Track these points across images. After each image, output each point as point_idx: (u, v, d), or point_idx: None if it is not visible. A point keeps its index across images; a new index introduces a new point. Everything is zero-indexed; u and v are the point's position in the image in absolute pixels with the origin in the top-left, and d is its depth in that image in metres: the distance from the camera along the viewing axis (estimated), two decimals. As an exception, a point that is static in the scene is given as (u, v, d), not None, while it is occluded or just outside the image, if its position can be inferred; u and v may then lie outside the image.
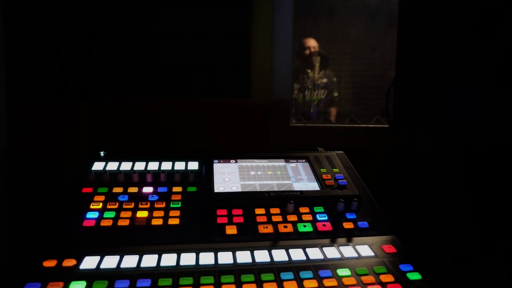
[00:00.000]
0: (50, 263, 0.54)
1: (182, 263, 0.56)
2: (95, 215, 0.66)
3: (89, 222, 0.64)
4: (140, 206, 0.68)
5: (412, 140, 0.93)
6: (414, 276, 0.55)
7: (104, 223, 0.64)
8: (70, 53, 1.08)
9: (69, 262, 0.54)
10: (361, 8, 1.70)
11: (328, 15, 1.80)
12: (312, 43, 2.14)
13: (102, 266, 0.54)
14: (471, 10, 0.65)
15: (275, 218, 0.68)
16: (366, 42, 1.73)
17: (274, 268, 0.56)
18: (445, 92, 0.72)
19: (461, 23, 0.68)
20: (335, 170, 0.82)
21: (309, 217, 0.69)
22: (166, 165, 0.80)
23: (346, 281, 0.53)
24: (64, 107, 1.09)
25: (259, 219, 0.67)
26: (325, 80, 2.09)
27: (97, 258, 0.56)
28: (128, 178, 0.76)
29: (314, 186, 0.77)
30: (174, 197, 0.72)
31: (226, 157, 0.83)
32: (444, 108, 0.72)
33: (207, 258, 0.57)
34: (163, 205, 0.69)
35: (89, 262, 0.55)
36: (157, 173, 0.77)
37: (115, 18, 1.09)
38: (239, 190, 0.74)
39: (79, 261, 0.55)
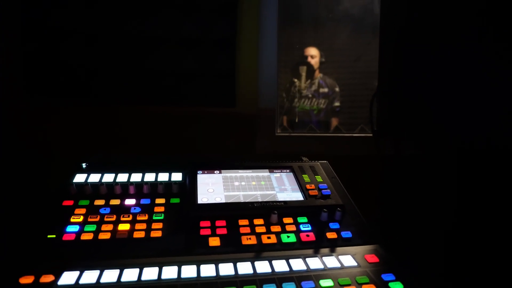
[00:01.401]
0: (27, 280, 0.52)
1: (163, 276, 0.55)
2: (75, 228, 0.64)
3: (69, 236, 0.63)
4: (122, 219, 0.68)
5: (397, 148, 0.94)
6: (396, 285, 0.55)
7: (84, 236, 0.63)
8: (54, 59, 1.07)
9: (47, 278, 0.53)
10: (345, 18, 1.73)
11: (313, 25, 1.82)
12: (311, 51, 2.15)
13: (82, 281, 0.53)
14: (455, 14, 0.66)
15: (259, 229, 0.67)
16: (350, 52, 1.75)
17: (257, 280, 0.55)
18: (435, 98, 0.72)
19: (449, 26, 0.69)
20: (319, 179, 0.82)
21: (292, 228, 0.68)
22: (149, 177, 0.80)
23: (328, 292, 0.53)
24: (48, 111, 1.08)
25: (242, 230, 0.67)
26: (326, 90, 2.10)
27: (77, 273, 0.55)
28: (110, 190, 0.75)
29: (298, 196, 0.77)
30: (157, 209, 0.71)
31: (210, 168, 0.83)
32: (433, 114, 0.73)
33: (189, 271, 0.56)
34: (146, 217, 0.69)
35: (68, 278, 0.54)
36: (140, 184, 0.76)
37: (103, 25, 1.08)
38: (223, 201, 0.74)
39: (58, 277, 0.54)
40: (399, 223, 0.93)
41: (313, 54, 2.13)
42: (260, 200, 0.74)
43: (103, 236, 0.63)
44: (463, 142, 0.68)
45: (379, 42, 0.92)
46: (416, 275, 0.58)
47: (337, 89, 2.09)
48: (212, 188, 0.77)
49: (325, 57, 2.05)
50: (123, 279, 0.54)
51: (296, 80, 2.22)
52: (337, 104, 2.07)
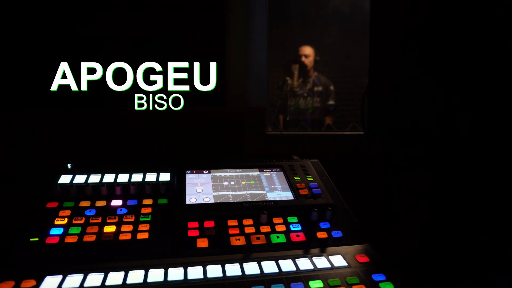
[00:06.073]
0: (6, 285, 0.51)
1: (150, 279, 0.54)
2: (59, 231, 0.63)
3: (52, 239, 0.61)
4: (108, 221, 0.66)
5: (387, 146, 0.93)
6: (387, 286, 0.55)
7: (68, 239, 0.61)
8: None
9: (28, 283, 0.51)
10: (335, 16, 1.72)
11: (302, 23, 1.81)
12: (306, 51, 2.14)
13: (64, 286, 0.52)
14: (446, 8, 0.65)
15: (248, 230, 0.66)
16: (340, 50, 1.75)
17: (246, 282, 0.54)
18: (425, 96, 0.72)
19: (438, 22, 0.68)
20: (310, 178, 0.81)
21: (282, 228, 0.67)
22: (137, 177, 0.78)
23: (318, 294, 0.53)
24: (33, 114, 1.06)
25: (231, 231, 0.66)
26: (320, 88, 2.09)
27: (59, 277, 0.53)
28: (96, 191, 0.73)
29: (288, 195, 0.76)
30: (144, 210, 0.70)
31: (198, 168, 0.82)
32: (423, 113, 0.72)
33: (176, 274, 0.55)
34: (132, 218, 0.67)
35: (50, 283, 0.52)
36: (126, 185, 0.75)
37: (88, 26, 1.06)
38: (212, 201, 0.72)
39: (39, 282, 0.52)
40: (391, 223, 0.92)
41: (307, 53, 2.12)
42: (249, 200, 0.73)
43: (88, 238, 0.62)
44: (452, 141, 0.68)
45: (369, 39, 0.91)
46: (406, 275, 0.57)
47: (331, 87, 2.09)
48: (201, 188, 0.76)
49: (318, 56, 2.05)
50: (107, 283, 0.53)
51: (288, 78, 2.21)
52: (331, 102, 2.06)
